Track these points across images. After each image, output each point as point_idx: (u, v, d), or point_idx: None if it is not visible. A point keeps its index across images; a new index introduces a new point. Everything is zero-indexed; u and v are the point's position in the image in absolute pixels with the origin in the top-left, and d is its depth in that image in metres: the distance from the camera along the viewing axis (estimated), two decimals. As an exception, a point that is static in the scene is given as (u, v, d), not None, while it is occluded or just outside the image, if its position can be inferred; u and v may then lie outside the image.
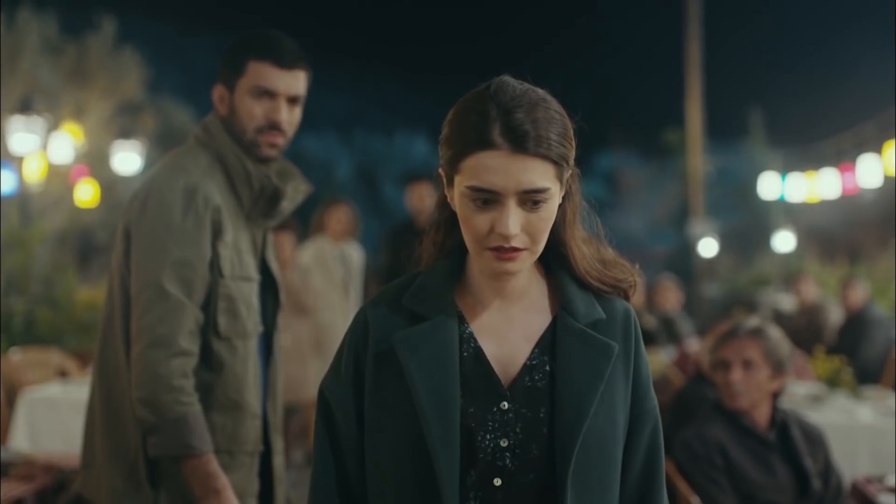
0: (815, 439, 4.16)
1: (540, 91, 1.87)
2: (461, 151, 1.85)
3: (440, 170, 1.95)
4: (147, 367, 2.86)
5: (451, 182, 1.91)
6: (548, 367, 1.93)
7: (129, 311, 2.99)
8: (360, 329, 1.99)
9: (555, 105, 1.87)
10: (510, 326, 1.96)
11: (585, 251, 2.01)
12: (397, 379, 1.90)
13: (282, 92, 3.09)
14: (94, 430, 3.08)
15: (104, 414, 3.03)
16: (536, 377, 1.92)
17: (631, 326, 2.00)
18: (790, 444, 4.07)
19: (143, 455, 2.93)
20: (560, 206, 1.93)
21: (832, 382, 6.80)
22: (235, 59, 3.13)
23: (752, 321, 4.26)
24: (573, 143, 1.89)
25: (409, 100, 53.28)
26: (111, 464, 2.98)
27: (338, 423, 1.98)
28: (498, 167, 1.81)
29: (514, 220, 1.82)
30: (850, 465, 5.59)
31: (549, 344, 1.95)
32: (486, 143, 1.81)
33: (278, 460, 3.20)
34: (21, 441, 6.08)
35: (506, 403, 1.90)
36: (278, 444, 3.22)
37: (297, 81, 3.12)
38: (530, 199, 1.83)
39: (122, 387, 2.98)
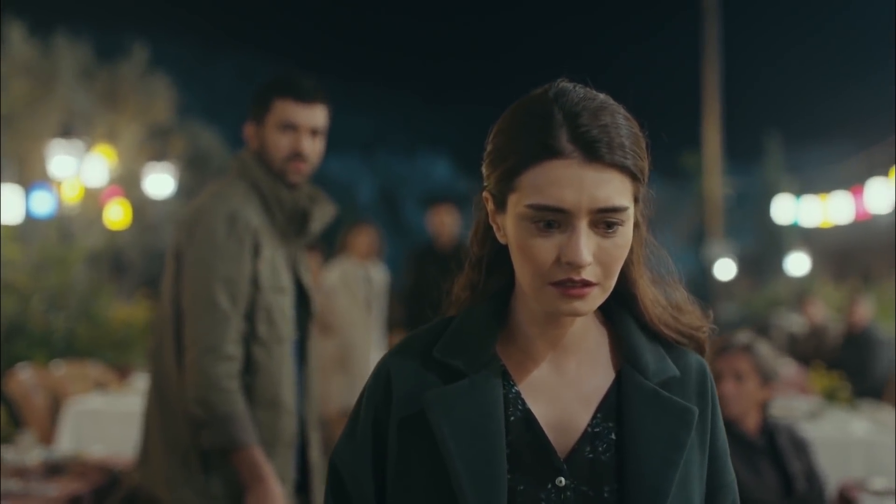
0: (801, 446, 4.54)
1: (603, 95, 1.59)
2: (519, 163, 1.54)
3: (484, 194, 1.65)
4: (199, 371, 3.29)
5: (501, 205, 1.60)
6: (613, 436, 1.60)
7: (179, 324, 3.42)
8: (380, 387, 1.66)
9: (622, 110, 1.58)
10: (564, 385, 1.64)
11: (655, 294, 1.71)
12: (428, 449, 1.58)
13: (303, 124, 3.52)
14: (151, 429, 3.50)
15: (159, 414, 3.45)
16: (599, 448, 1.60)
17: (707, 386, 1.68)
18: (777, 449, 4.44)
19: (194, 448, 3.34)
20: None
21: (830, 397, 7.17)
22: (262, 98, 3.56)
23: (743, 337, 4.64)
24: (647, 155, 1.59)
25: (431, 121, 53.65)
26: (167, 457, 3.39)
27: (351, 501, 1.67)
28: (568, 179, 1.51)
29: (586, 244, 1.51)
30: (844, 475, 5.92)
31: (613, 407, 1.62)
32: (552, 152, 1.52)
33: (314, 453, 3.63)
34: (67, 449, 6.48)
35: (562, 479, 1.58)
36: (314, 438, 3.64)
37: (316, 114, 3.55)
38: (605, 220, 1.53)
39: (174, 389, 3.40)
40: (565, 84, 1.59)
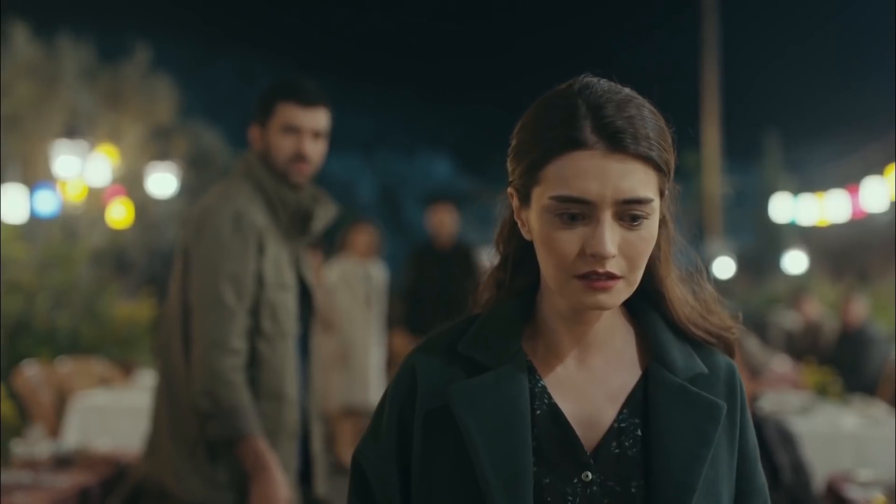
0: (788, 439, 4.69)
1: (628, 89, 1.59)
2: (543, 155, 1.54)
3: (508, 189, 1.64)
4: (206, 364, 3.42)
5: (526, 199, 1.59)
6: (639, 432, 1.60)
7: (186, 319, 3.55)
8: (405, 382, 1.66)
9: (647, 104, 1.58)
10: (591, 381, 1.63)
11: (683, 292, 1.69)
12: (453, 443, 1.58)
13: (305, 127, 3.65)
14: (159, 421, 3.63)
15: (167, 406, 3.58)
16: (626, 443, 1.59)
17: (736, 385, 1.67)
18: (764, 441, 4.59)
19: (201, 439, 3.47)
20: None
21: (822, 392, 7.32)
22: (266, 102, 3.70)
23: (731, 332, 4.77)
24: (673, 149, 1.58)
25: (431, 120, 53.76)
26: (175, 447, 3.53)
27: (376, 499, 1.66)
28: (591, 170, 1.50)
29: (610, 236, 1.50)
30: (834, 467, 6.06)
31: (639, 403, 1.62)
32: (575, 143, 1.51)
33: (316, 445, 3.76)
34: (73, 443, 6.61)
35: (589, 474, 1.57)
36: (316, 429, 3.77)
37: (318, 117, 3.68)
38: (629, 212, 1.52)
39: (181, 382, 3.53)
40: (590, 78, 1.59)
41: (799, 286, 17.54)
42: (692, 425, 1.58)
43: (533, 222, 1.57)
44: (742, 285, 25.35)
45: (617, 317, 1.66)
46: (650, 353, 1.64)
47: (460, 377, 1.61)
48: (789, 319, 15.33)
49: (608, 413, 1.60)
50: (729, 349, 1.71)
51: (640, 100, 1.57)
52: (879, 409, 7.12)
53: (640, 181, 1.51)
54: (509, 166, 1.62)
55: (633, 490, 1.57)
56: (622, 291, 1.55)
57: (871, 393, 8.76)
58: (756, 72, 44.38)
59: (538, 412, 1.59)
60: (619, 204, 1.50)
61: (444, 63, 56.81)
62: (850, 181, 19.31)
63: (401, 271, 9.36)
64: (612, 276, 1.52)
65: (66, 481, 4.54)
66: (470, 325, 1.68)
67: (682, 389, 1.60)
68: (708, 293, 1.71)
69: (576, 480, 1.57)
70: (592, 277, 1.51)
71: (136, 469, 4.31)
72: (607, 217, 1.50)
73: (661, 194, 1.57)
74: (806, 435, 6.02)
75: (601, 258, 1.50)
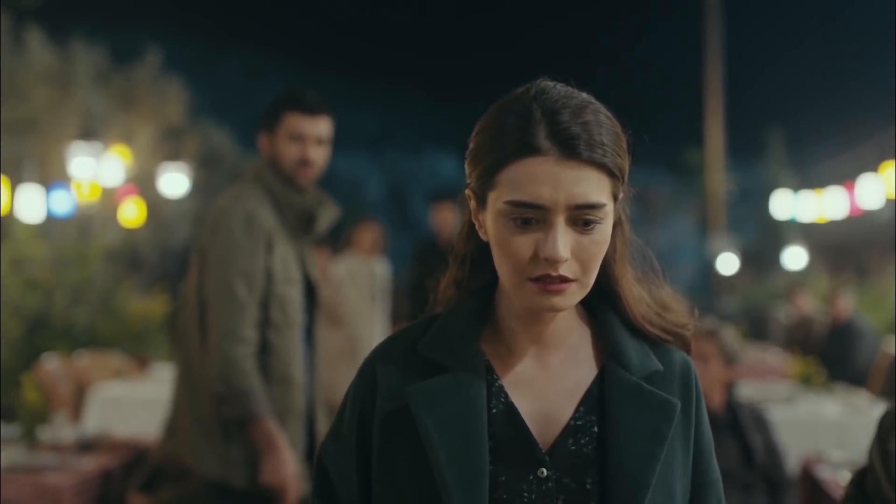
0: (762, 423, 5.01)
1: (585, 94, 1.61)
2: (498, 161, 1.56)
3: (466, 192, 1.67)
4: (220, 352, 3.76)
5: (482, 202, 1.62)
6: (595, 429, 1.62)
7: (202, 312, 3.89)
8: (366, 383, 1.69)
9: (603, 109, 1.59)
10: (548, 379, 1.66)
11: (639, 291, 1.72)
12: (412, 442, 1.61)
13: (310, 135, 4.00)
14: (179, 405, 3.97)
15: (186, 390, 3.92)
16: (582, 440, 1.62)
17: (691, 381, 1.69)
18: (739, 425, 4.92)
19: (217, 420, 3.81)
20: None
21: (806, 381, 7.65)
22: (274, 112, 4.04)
23: (708, 323, 5.11)
24: (627, 154, 1.60)
25: (438, 118, 53.92)
26: (192, 428, 3.86)
27: (337, 496, 1.71)
28: (544, 176, 1.52)
29: (563, 241, 1.53)
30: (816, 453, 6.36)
31: (595, 401, 1.64)
32: (529, 149, 1.54)
33: (321, 427, 4.09)
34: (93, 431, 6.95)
35: (544, 471, 1.60)
36: (320, 413, 4.11)
37: (321, 125, 4.02)
38: (582, 217, 1.54)
39: (198, 369, 3.87)
40: (546, 83, 1.61)
41: (795, 281, 17.79)
42: (647, 424, 1.61)
43: (489, 225, 1.61)
44: (745, 281, 25.59)
45: (573, 316, 1.69)
46: (606, 351, 1.67)
47: (420, 378, 1.63)
48: (785, 313, 15.59)
49: (565, 411, 1.63)
50: (685, 346, 1.73)
51: (597, 105, 1.59)
52: (861, 397, 7.44)
53: (593, 187, 1.54)
54: (467, 169, 1.65)
55: (588, 486, 1.60)
56: (576, 294, 1.58)
57: (858, 384, 9.07)
58: (759, 69, 44.56)
59: (494, 411, 1.62)
60: (571, 209, 1.54)
61: (451, 60, 57.02)
62: (847, 178, 19.49)
63: (406, 267, 9.61)
64: (565, 280, 1.55)
65: (90, 463, 4.87)
66: (430, 325, 1.71)
67: (637, 388, 1.63)
68: (665, 292, 1.75)
69: (531, 477, 1.60)
70: (546, 280, 1.55)
71: (154, 453, 4.65)
72: (560, 222, 1.54)
73: (615, 198, 1.60)
74: (790, 422, 6.35)
75: (554, 262, 1.53)
